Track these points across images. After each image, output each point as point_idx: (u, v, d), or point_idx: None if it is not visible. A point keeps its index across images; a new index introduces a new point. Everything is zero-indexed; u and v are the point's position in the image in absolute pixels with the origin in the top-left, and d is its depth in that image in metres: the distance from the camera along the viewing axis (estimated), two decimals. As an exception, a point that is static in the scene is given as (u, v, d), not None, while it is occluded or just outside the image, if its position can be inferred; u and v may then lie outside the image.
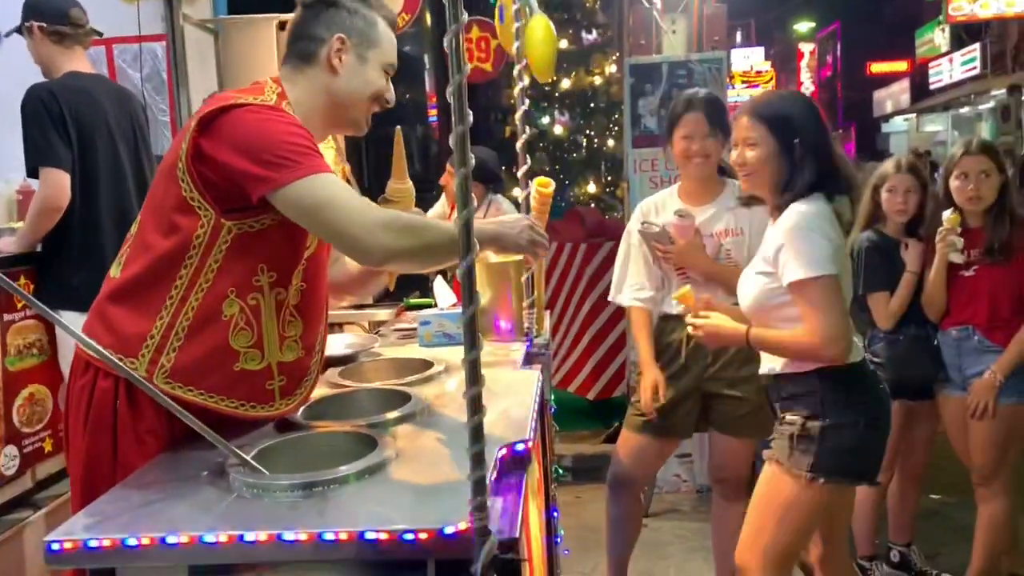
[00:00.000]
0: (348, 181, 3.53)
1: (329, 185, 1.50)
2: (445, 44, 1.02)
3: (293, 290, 1.62)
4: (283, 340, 1.62)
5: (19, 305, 2.71)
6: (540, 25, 2.12)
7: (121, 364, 1.41)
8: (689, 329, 2.11)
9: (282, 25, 3.74)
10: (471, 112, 1.09)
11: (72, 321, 1.40)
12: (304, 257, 1.64)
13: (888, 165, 3.01)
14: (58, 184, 2.70)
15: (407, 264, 1.66)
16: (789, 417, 2.04)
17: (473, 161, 1.08)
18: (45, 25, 2.82)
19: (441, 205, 4.16)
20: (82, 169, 2.78)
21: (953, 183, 2.77)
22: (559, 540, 2.25)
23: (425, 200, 4.27)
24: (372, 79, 1.70)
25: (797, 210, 1.96)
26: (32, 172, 2.77)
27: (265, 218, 1.54)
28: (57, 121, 2.72)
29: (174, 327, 1.54)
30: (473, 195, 1.10)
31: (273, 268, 1.58)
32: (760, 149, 2.00)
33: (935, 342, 2.90)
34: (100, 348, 1.40)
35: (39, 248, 2.82)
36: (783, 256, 1.94)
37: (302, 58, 1.67)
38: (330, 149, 3.57)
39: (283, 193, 1.47)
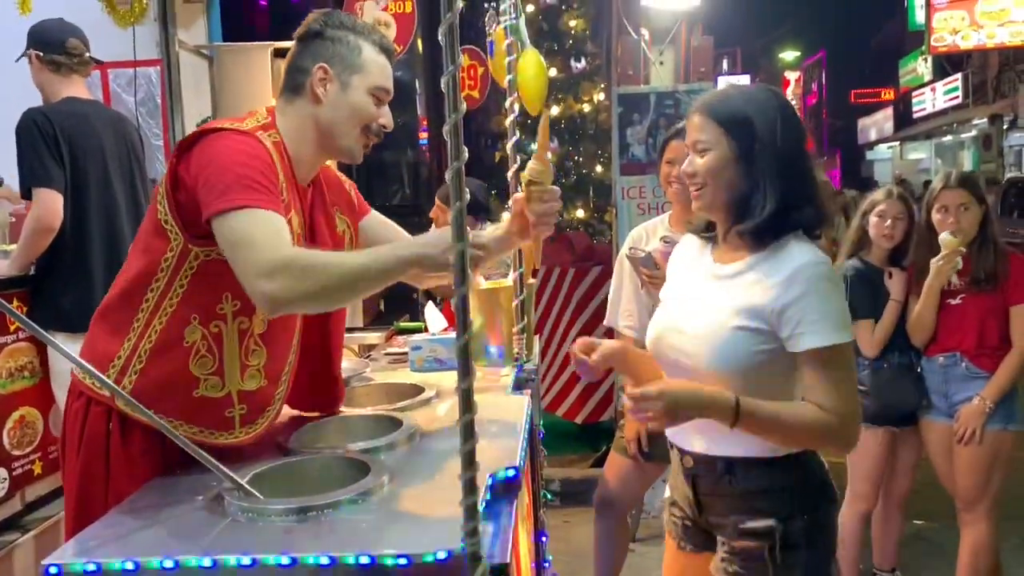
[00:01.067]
0: None
1: (252, 223, 1.46)
2: (443, 84, 1.06)
3: (259, 320, 1.61)
4: (245, 369, 1.61)
5: (12, 327, 2.72)
6: (531, 60, 2.18)
7: (118, 388, 1.43)
8: (625, 402, 1.56)
9: (277, 52, 3.79)
10: (465, 149, 1.13)
11: (62, 343, 1.43)
12: None
13: (879, 192, 3.08)
14: (50, 205, 2.74)
15: (304, 308, 1.60)
16: (753, 525, 1.57)
17: (468, 196, 1.12)
18: (42, 54, 2.87)
19: None
20: (74, 192, 2.82)
21: (935, 216, 2.83)
22: (548, 564, 2.27)
23: (412, 225, 4.32)
24: (358, 106, 1.68)
25: (811, 256, 1.54)
26: (27, 193, 2.80)
27: None
28: (51, 143, 2.76)
29: (137, 350, 1.57)
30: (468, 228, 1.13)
31: (237, 297, 1.57)
32: (712, 155, 1.56)
33: (919, 369, 2.95)
34: (95, 371, 1.43)
35: (31, 271, 2.85)
36: (797, 313, 1.50)
37: (292, 90, 1.70)
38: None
39: (214, 222, 1.47)
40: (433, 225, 4.14)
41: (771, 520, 1.56)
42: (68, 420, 1.65)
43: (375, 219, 1.94)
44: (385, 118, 1.74)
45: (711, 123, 1.57)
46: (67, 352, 1.37)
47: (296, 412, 1.87)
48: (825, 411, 1.50)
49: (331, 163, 1.91)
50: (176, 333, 1.57)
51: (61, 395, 2.77)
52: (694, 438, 1.64)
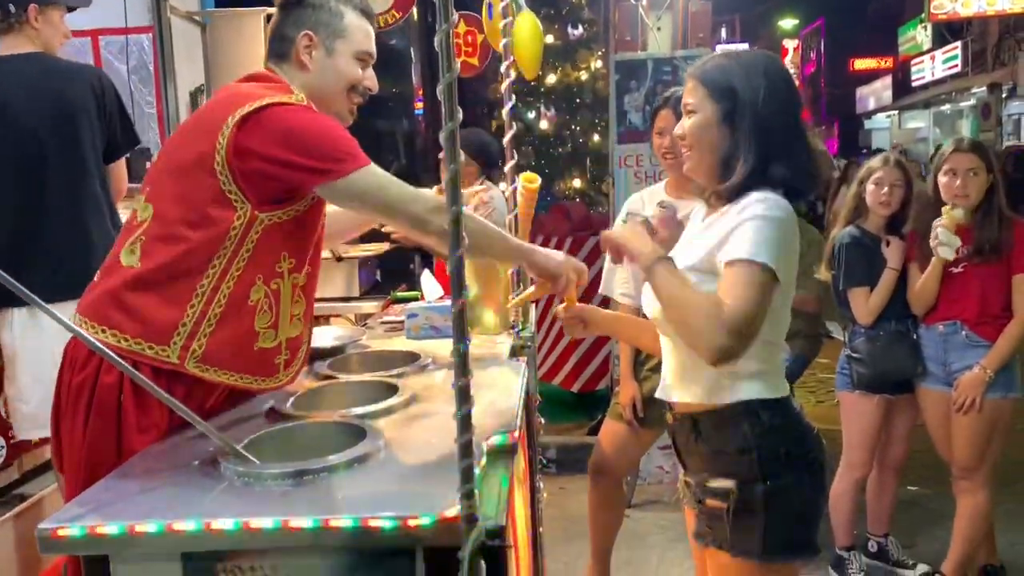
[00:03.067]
0: None
1: (381, 173, 1.66)
2: (436, 43, 1.05)
3: (302, 274, 1.72)
4: (292, 318, 1.72)
5: (6, 297, 2.70)
6: (527, 23, 2.15)
7: (114, 356, 1.42)
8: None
9: (270, 18, 3.73)
10: (460, 110, 1.11)
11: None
12: (313, 243, 1.75)
13: (876, 159, 3.06)
14: None
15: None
16: (715, 485, 1.61)
17: (463, 157, 1.11)
18: None
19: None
20: None
21: (941, 179, 2.81)
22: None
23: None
24: (344, 70, 1.76)
25: (762, 198, 1.54)
26: None
27: (291, 209, 1.65)
28: None
29: (206, 315, 1.61)
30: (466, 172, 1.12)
31: (293, 255, 1.69)
32: (696, 117, 1.61)
33: (914, 337, 2.95)
34: (92, 339, 1.42)
35: None
36: (728, 240, 1.53)
37: (279, 57, 1.76)
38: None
39: (342, 183, 1.60)
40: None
41: (730, 482, 1.59)
42: (69, 392, 1.63)
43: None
44: (370, 80, 1.81)
45: (699, 86, 1.62)
46: (66, 322, 1.35)
47: None
48: (717, 305, 1.46)
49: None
50: (243, 294, 1.64)
51: (23, 377, 2.59)
52: (672, 393, 1.69)
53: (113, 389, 1.57)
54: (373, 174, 1.63)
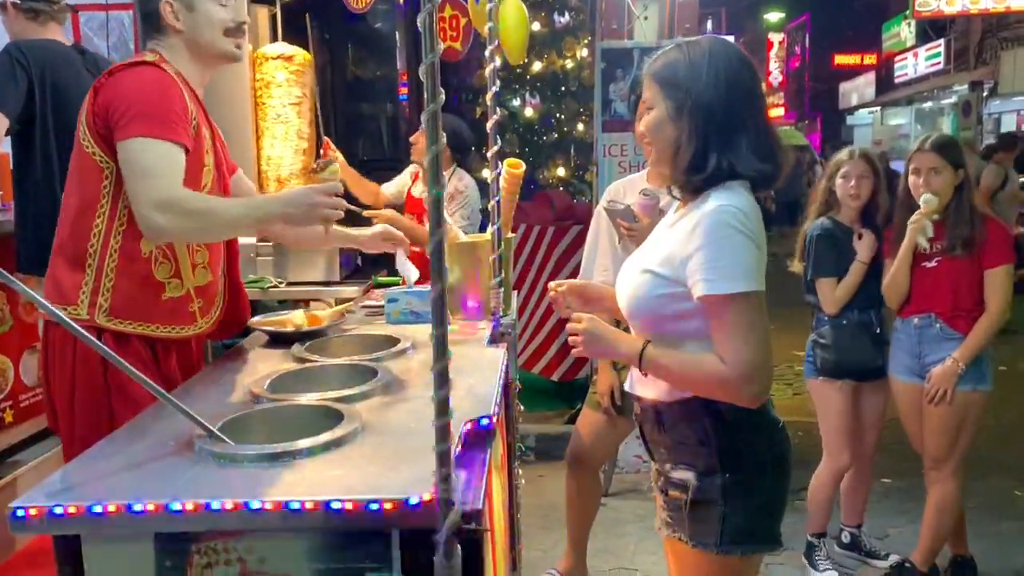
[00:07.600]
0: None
1: (151, 153, 1.69)
2: (419, 23, 1.04)
3: None
4: (195, 267, 1.87)
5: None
6: (512, 7, 2.13)
7: (73, 324, 1.40)
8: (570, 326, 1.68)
9: (252, -2, 3.69)
10: (443, 91, 1.11)
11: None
12: (203, 190, 1.86)
13: (843, 153, 3.11)
14: None
15: (183, 241, 1.84)
16: (676, 476, 1.63)
17: (445, 138, 1.10)
18: (19, 2, 2.79)
19: (405, 175, 4.13)
20: (43, 132, 2.76)
21: (911, 178, 2.86)
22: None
23: (390, 180, 4.27)
24: (212, 15, 1.88)
25: (718, 204, 1.50)
26: None
27: None
28: (19, 71, 2.72)
29: (103, 270, 1.77)
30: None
31: None
32: (652, 113, 1.60)
33: (876, 328, 2.99)
34: (56, 310, 1.40)
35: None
36: (699, 260, 1.48)
37: (155, 30, 1.89)
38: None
39: (118, 147, 1.70)
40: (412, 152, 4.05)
41: (690, 473, 1.60)
42: (55, 345, 1.80)
43: (239, 176, 2.17)
44: (238, 15, 1.91)
45: (652, 83, 1.61)
46: (31, 293, 1.34)
47: (263, 362, 1.88)
48: (723, 362, 1.48)
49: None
50: (134, 247, 1.78)
51: None
52: (637, 385, 1.69)
53: (92, 334, 1.62)
54: (134, 150, 1.69)
